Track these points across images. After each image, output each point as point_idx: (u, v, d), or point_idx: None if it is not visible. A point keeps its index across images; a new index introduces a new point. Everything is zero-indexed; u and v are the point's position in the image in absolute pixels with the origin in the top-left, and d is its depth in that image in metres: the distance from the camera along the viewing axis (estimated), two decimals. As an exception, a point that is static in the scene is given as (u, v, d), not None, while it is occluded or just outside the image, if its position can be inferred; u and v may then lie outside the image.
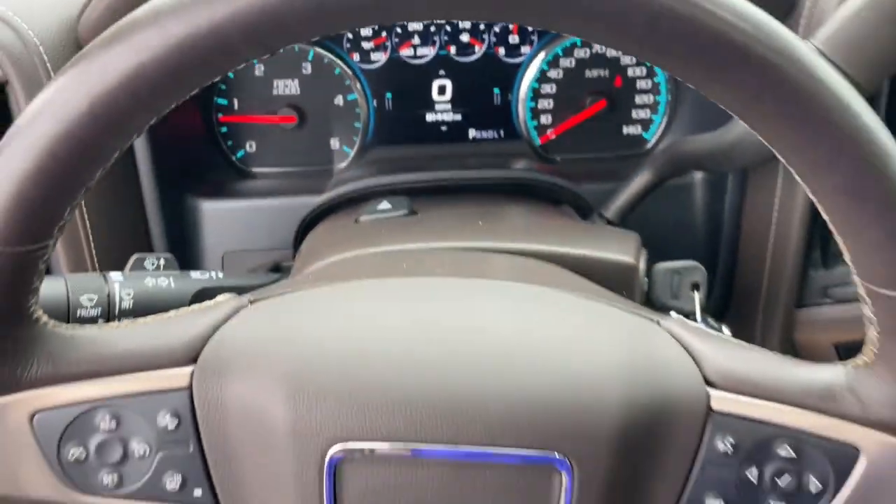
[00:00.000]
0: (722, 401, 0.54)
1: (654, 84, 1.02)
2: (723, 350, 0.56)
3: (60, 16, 0.85)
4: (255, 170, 1.04)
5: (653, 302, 0.78)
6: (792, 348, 0.96)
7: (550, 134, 1.04)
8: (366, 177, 0.90)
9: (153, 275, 0.73)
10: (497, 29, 1.01)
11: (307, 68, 1.01)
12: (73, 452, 0.54)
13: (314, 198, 0.90)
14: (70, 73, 0.46)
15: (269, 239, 0.97)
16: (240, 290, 0.63)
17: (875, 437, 0.53)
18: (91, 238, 0.87)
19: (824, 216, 0.49)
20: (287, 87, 1.01)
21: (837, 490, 0.54)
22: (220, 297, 0.59)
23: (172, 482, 0.54)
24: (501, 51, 1.02)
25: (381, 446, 0.52)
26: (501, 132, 1.05)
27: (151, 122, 0.47)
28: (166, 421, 0.54)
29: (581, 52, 1.02)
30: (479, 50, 1.02)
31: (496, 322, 0.58)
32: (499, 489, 0.53)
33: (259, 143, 1.03)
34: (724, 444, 0.54)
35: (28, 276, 0.50)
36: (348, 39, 1.00)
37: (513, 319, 0.58)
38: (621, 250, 0.75)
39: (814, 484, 0.54)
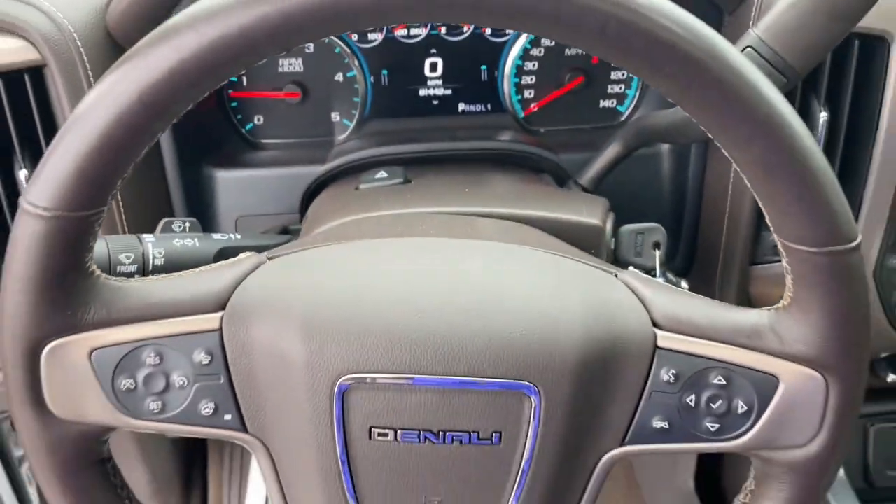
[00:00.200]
0: (666, 339, 0.58)
1: None
2: (668, 297, 0.60)
3: (90, 5, 0.86)
4: (263, 141, 1.04)
5: (619, 259, 0.80)
6: (747, 300, 0.99)
7: (533, 107, 1.06)
8: (364, 147, 0.91)
9: (180, 236, 0.74)
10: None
11: (310, 48, 1.01)
12: (125, 383, 0.57)
13: (317, 167, 0.91)
14: (122, 68, 0.49)
15: (277, 204, 0.98)
16: (257, 249, 0.65)
17: (792, 368, 0.57)
18: (121, 205, 0.89)
19: (748, 185, 0.53)
20: (291, 65, 1.02)
21: (761, 412, 0.58)
22: (242, 255, 0.62)
23: (207, 408, 0.58)
24: (488, 31, 1.03)
25: (382, 376, 0.56)
26: (488, 105, 1.05)
27: (189, 108, 0.50)
28: (201, 357, 0.57)
29: None
30: (468, 30, 1.03)
31: (479, 275, 0.61)
32: (479, 411, 0.57)
33: (266, 117, 1.04)
34: (667, 375, 0.58)
35: (86, 236, 0.53)
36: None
37: (493, 272, 0.61)
38: (590, 213, 0.77)
39: (741, 407, 0.58)
